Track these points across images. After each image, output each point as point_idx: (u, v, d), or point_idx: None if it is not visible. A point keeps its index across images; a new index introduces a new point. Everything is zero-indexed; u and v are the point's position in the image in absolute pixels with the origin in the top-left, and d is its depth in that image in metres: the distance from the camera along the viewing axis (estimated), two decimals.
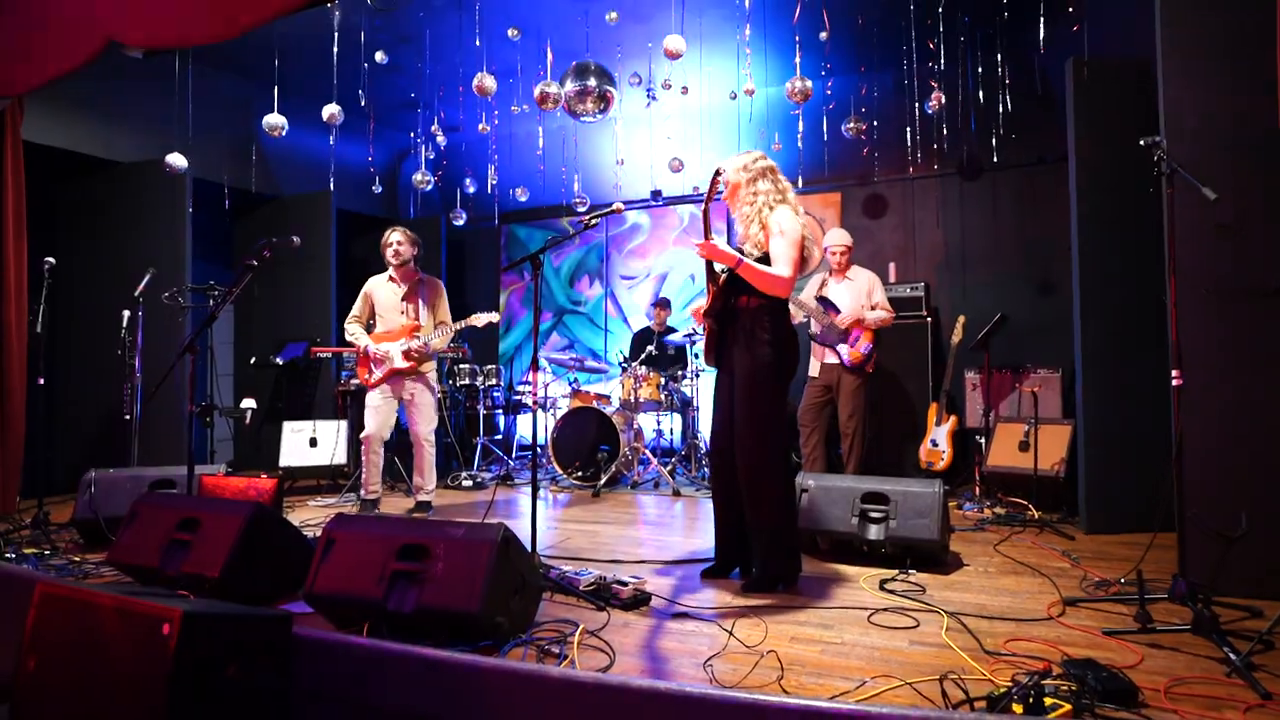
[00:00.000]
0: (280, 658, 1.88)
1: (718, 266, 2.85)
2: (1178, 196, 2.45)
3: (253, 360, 5.86)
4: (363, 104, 4.67)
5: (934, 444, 5.08)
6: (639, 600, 2.61)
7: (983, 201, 5.91)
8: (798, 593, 2.74)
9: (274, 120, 4.41)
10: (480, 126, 4.99)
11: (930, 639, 2.26)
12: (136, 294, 4.50)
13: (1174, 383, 2.40)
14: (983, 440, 4.95)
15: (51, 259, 4.05)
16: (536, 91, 3.79)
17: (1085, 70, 3.57)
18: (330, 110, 4.29)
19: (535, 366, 2.86)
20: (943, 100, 4.79)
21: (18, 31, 3.72)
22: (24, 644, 1.87)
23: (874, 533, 3.12)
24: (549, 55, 3.92)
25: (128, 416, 4.33)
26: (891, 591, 2.76)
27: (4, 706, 1.85)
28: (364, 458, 4.30)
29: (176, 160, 4.47)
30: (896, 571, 2.97)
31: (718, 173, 2.82)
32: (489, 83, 3.79)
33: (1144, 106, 3.56)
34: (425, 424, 4.30)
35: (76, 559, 3.29)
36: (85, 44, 3.36)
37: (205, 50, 5.29)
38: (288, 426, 5.22)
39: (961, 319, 5.13)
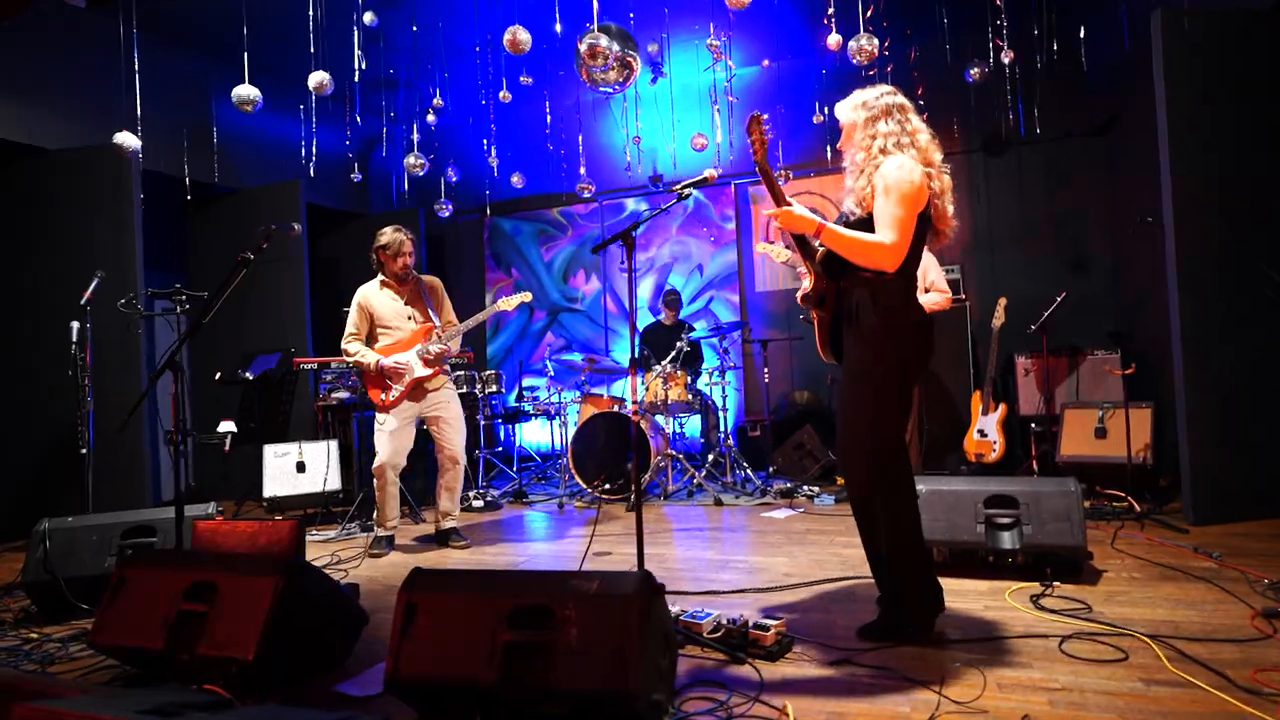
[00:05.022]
0: None
1: (815, 241, 2.37)
2: None
3: (218, 376, 5.11)
4: (356, 78, 4.01)
5: (982, 434, 4.78)
6: (783, 647, 2.15)
7: (1009, 178, 5.67)
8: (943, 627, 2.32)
9: (245, 93, 3.74)
10: (497, 96, 4.37)
11: (1161, 676, 1.87)
12: (83, 302, 3.78)
13: None
14: (1034, 427, 4.69)
15: None
16: (584, 46, 3.27)
17: (1185, 21, 3.27)
18: (319, 78, 3.65)
19: (634, 369, 2.36)
20: (985, 70, 4.49)
21: None
22: None
23: (1007, 541, 2.73)
24: (595, 6, 3.37)
25: (84, 450, 3.60)
26: (1051, 610, 2.38)
27: None
28: (379, 490, 3.68)
29: (127, 140, 3.74)
30: (1041, 585, 2.60)
31: (754, 120, 2.24)
32: (523, 36, 3.24)
33: (1246, 63, 3.31)
34: (460, 439, 3.73)
35: (34, 635, 2.62)
36: None
37: (155, 19, 4.56)
38: (269, 450, 4.53)
39: (1003, 301, 4.84)
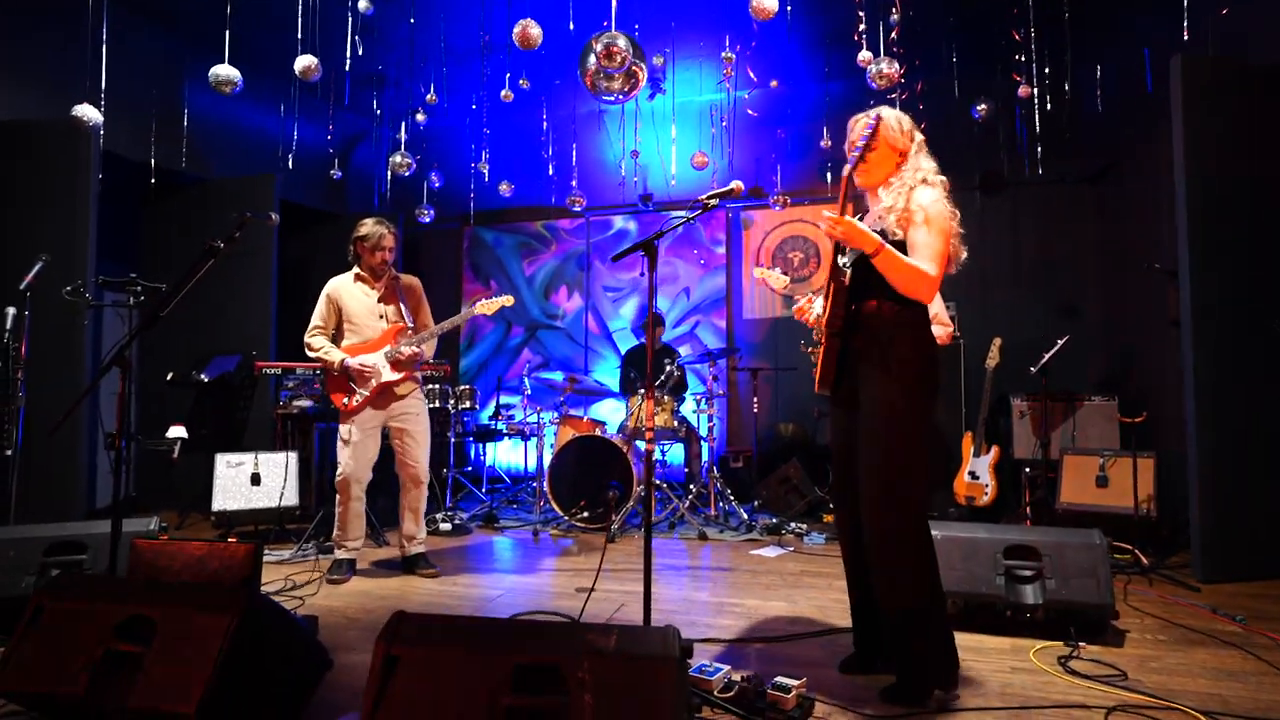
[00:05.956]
0: None
1: (842, 259, 2.20)
2: None
3: (170, 377, 4.72)
4: (347, 66, 3.76)
5: (973, 476, 4.66)
6: (805, 710, 1.92)
7: (1004, 218, 5.65)
8: (971, 688, 2.13)
9: (224, 73, 3.47)
10: (488, 100, 4.18)
11: None
12: (23, 287, 3.41)
13: None
14: (1028, 471, 4.59)
15: None
16: (600, 45, 3.08)
17: (1207, 69, 3.24)
18: (306, 62, 3.40)
19: (650, 393, 2.13)
20: (992, 108, 4.46)
21: None
22: None
23: (1029, 595, 2.56)
24: (614, 6, 3.21)
25: (9, 452, 3.21)
26: (1085, 675, 2.20)
27: None
28: (340, 505, 3.37)
29: (88, 113, 3.42)
30: (1066, 645, 2.43)
31: (878, 118, 2.09)
32: (534, 31, 3.04)
33: (1259, 113, 3.30)
34: (424, 453, 3.44)
35: None
36: None
37: None
38: (222, 460, 4.16)
39: (998, 341, 4.77)
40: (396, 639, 1.54)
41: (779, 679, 1.96)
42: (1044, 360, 4.19)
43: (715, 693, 1.96)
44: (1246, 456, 3.29)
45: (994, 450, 4.66)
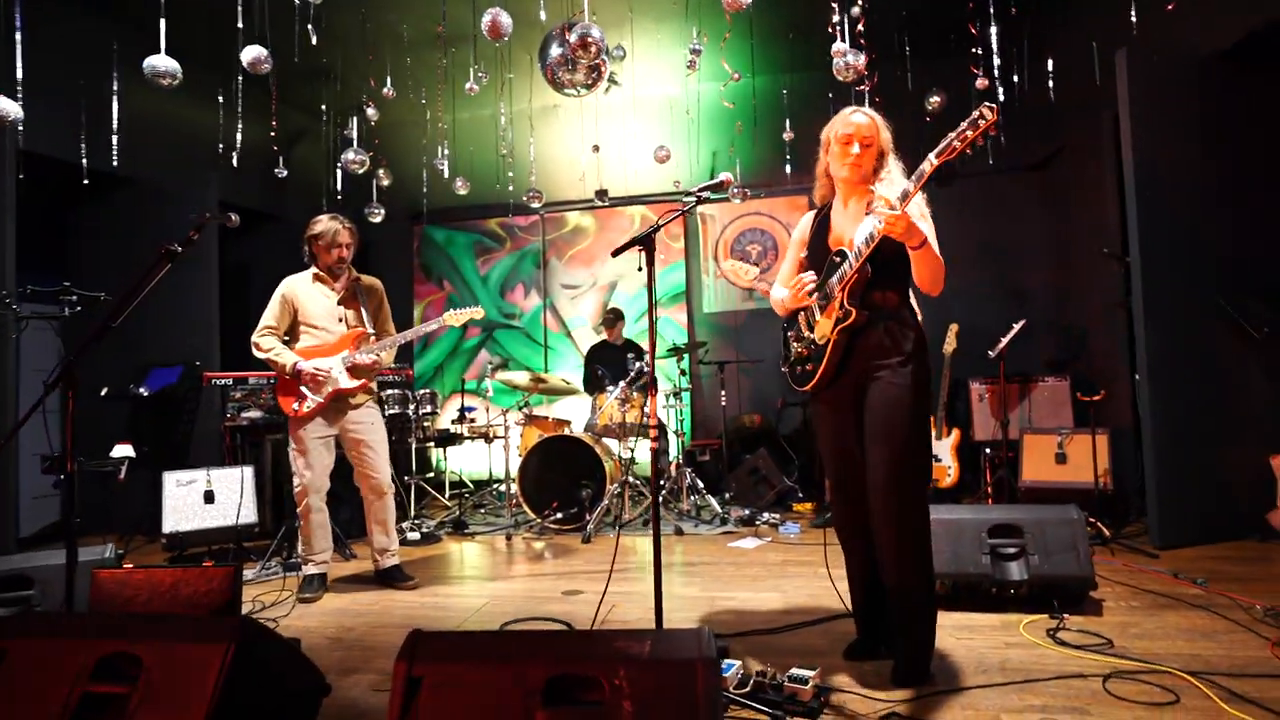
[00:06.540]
0: None
1: (851, 253, 2.17)
2: None
3: (104, 392, 4.40)
4: (296, 58, 3.56)
5: (936, 459, 4.80)
6: (822, 702, 1.92)
7: (952, 207, 5.81)
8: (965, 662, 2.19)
9: (163, 64, 3.22)
10: (438, 95, 4.02)
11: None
12: None
13: None
14: (988, 452, 4.75)
15: None
16: (574, 36, 3.00)
17: (1151, 61, 3.40)
18: (254, 54, 3.20)
19: (652, 390, 2.09)
20: (944, 100, 4.57)
21: None
22: None
23: (1014, 572, 2.64)
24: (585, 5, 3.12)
25: None
26: (1074, 645, 2.28)
27: None
28: (303, 519, 3.21)
29: (7, 107, 3.12)
30: (1051, 618, 2.52)
31: (992, 109, 1.78)
32: (504, 20, 2.94)
33: (1204, 100, 3.46)
34: (384, 462, 3.30)
35: None
36: None
37: None
38: (170, 478, 3.90)
39: (954, 327, 4.92)
40: (417, 658, 1.46)
41: (795, 670, 1.96)
42: (1001, 345, 4.34)
43: (732, 689, 1.94)
44: (1195, 428, 3.48)
45: (955, 433, 4.81)
